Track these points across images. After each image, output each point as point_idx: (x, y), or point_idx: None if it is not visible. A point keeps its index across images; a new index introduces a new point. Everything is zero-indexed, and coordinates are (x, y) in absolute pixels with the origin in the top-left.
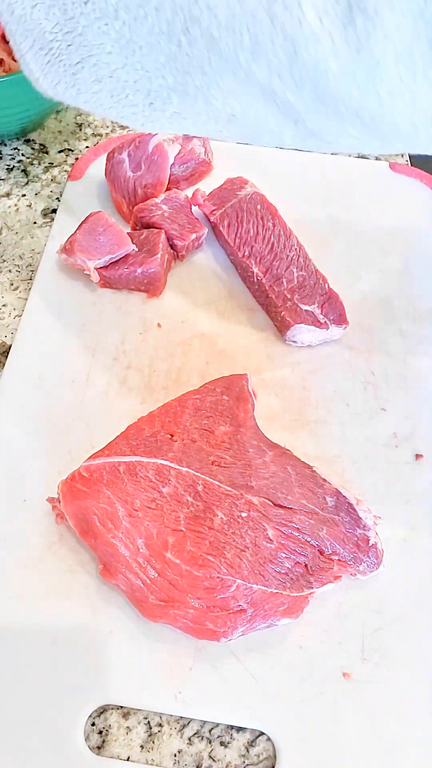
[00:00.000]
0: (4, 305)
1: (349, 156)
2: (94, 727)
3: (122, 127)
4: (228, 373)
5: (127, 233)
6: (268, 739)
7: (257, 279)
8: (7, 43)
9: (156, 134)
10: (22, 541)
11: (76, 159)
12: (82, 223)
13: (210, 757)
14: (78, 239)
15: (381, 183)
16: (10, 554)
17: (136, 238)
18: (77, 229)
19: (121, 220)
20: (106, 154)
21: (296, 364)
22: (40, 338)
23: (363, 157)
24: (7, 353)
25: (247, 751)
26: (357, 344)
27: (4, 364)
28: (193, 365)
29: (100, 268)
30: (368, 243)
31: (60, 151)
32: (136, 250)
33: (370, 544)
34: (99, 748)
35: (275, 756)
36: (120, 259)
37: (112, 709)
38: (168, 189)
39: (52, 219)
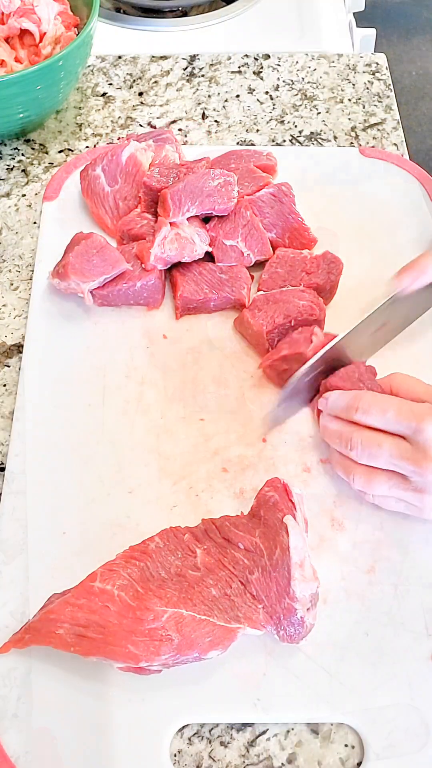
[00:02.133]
0: (4, 305)
1: (321, 145)
2: None
3: (122, 127)
4: (243, 374)
5: (116, 248)
6: (308, 731)
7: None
8: (8, 43)
9: (127, 145)
10: (69, 574)
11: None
12: (71, 244)
13: (210, 757)
14: (71, 262)
15: (354, 169)
16: (59, 587)
17: (126, 252)
18: (67, 252)
19: (106, 236)
20: (78, 172)
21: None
22: (46, 368)
23: (321, 142)
24: (8, 353)
25: (247, 751)
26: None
27: (4, 364)
28: (207, 372)
29: (96, 288)
30: (354, 229)
31: (60, 151)
32: (131, 268)
33: (295, 616)
34: None
35: (362, 745)
36: (116, 276)
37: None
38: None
39: None
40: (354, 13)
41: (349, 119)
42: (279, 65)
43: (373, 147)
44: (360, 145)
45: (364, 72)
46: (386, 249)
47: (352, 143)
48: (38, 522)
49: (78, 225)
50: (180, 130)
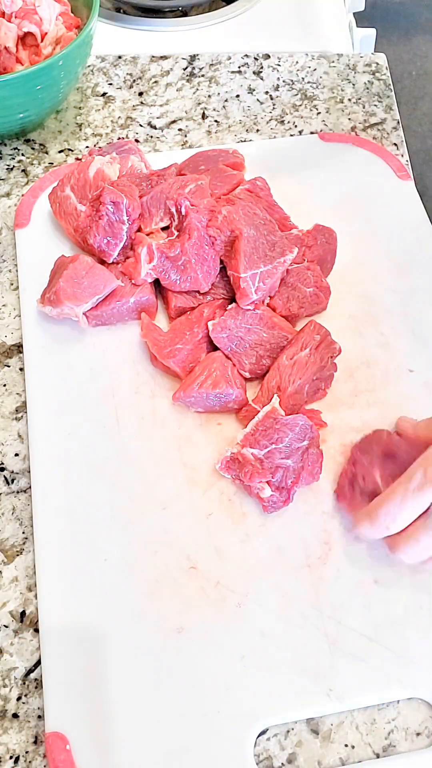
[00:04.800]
0: (4, 305)
1: (283, 137)
2: None
3: (122, 127)
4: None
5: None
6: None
7: None
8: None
9: (92, 161)
10: (115, 599)
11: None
12: (57, 269)
13: None
14: (62, 288)
15: (317, 154)
16: (110, 614)
17: (114, 269)
18: (54, 277)
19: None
20: (45, 194)
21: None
22: (51, 396)
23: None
24: (8, 353)
25: None
26: (357, 313)
27: (4, 364)
28: None
29: (89, 309)
30: (328, 215)
31: (60, 151)
32: (123, 284)
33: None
34: None
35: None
36: (108, 294)
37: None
38: None
39: None
40: (354, 13)
41: (349, 119)
42: (279, 65)
43: (331, 132)
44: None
45: (364, 72)
46: (363, 229)
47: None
48: (77, 553)
49: (56, 248)
50: (180, 130)
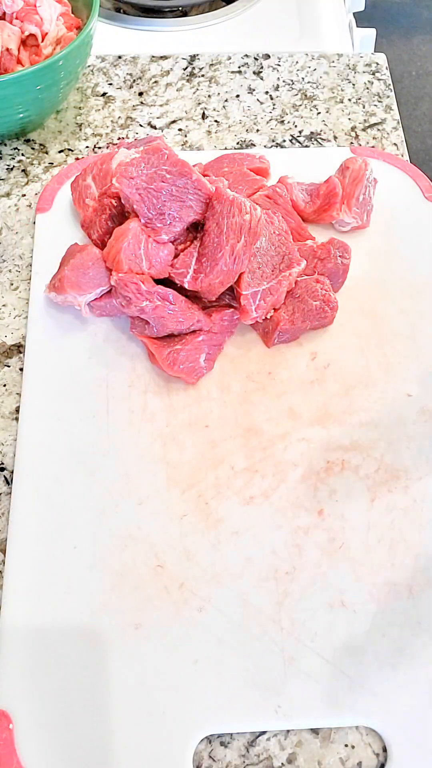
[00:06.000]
0: (4, 305)
1: (321, 145)
2: None
3: (122, 127)
4: (244, 377)
5: None
6: (285, 737)
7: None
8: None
9: (118, 152)
10: (83, 586)
11: (43, 188)
12: (66, 257)
13: (210, 757)
14: (67, 276)
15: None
16: (72, 601)
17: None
18: (62, 264)
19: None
20: (70, 182)
21: (310, 359)
22: (48, 381)
23: (321, 142)
24: (8, 353)
25: (247, 751)
26: (363, 330)
27: (4, 364)
28: (209, 377)
29: (93, 300)
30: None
31: (60, 151)
32: None
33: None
34: None
35: (385, 750)
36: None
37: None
38: None
39: None
40: (354, 13)
41: (349, 119)
42: (279, 65)
43: (370, 146)
44: (360, 144)
45: (364, 72)
46: (382, 247)
47: (351, 143)
48: (48, 536)
49: (72, 236)
50: (180, 130)
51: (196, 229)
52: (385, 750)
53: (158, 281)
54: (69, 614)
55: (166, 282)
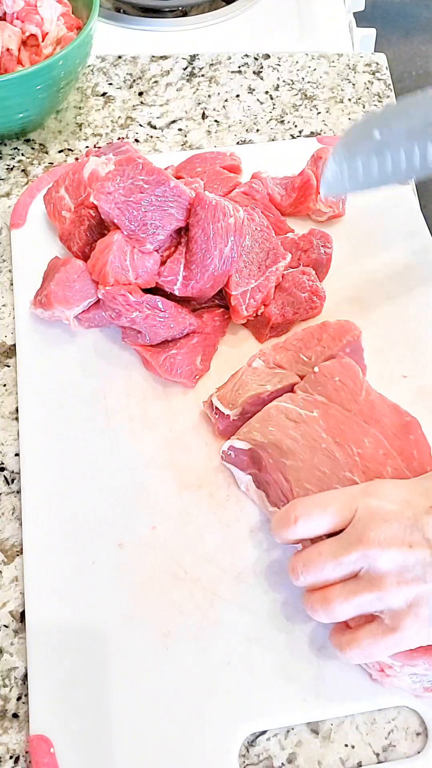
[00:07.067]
0: (3, 305)
1: (283, 139)
2: None
3: (122, 127)
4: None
5: None
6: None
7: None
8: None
9: (88, 161)
10: (102, 602)
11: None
12: (49, 271)
13: None
14: (53, 291)
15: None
16: (96, 616)
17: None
18: (46, 279)
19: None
20: (41, 195)
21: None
22: (43, 397)
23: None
24: (7, 353)
25: (247, 751)
26: (352, 317)
27: (4, 364)
28: (208, 379)
29: (81, 312)
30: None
31: (60, 151)
32: None
33: None
34: None
35: (426, 730)
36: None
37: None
38: None
39: None
40: (354, 13)
41: (349, 119)
42: (279, 65)
43: (331, 136)
44: None
45: (364, 72)
46: (360, 234)
47: None
48: (66, 555)
49: (50, 249)
50: (180, 130)
51: (179, 234)
52: (385, 750)
53: (146, 289)
54: (95, 631)
55: (154, 287)
